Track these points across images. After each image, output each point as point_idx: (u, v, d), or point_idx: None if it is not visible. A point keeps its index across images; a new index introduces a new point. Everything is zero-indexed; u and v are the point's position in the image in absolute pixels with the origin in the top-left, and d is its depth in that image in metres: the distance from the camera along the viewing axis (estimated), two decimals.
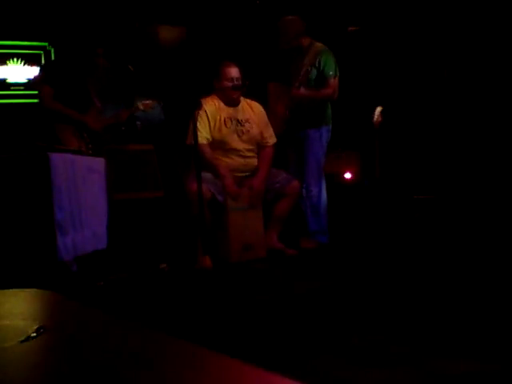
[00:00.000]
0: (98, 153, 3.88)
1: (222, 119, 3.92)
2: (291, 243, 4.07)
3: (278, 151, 4.23)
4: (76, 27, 4.22)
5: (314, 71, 4.14)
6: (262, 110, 4.16)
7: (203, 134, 3.82)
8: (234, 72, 3.96)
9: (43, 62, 5.06)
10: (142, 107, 4.19)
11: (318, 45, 4.19)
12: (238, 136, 3.95)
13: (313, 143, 4.21)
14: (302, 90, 4.13)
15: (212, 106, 3.92)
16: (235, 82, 3.93)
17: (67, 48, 3.97)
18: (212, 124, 3.89)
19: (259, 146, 4.07)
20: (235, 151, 3.95)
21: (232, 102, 4.00)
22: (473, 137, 4.78)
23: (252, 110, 4.09)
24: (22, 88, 5.12)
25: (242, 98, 4.08)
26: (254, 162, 4.03)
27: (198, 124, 3.72)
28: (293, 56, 4.26)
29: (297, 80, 4.13)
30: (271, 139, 4.10)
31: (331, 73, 4.12)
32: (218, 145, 3.91)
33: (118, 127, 4.27)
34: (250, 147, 4.01)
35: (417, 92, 5.17)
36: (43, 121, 3.86)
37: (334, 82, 4.15)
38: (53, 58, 5.09)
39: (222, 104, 3.98)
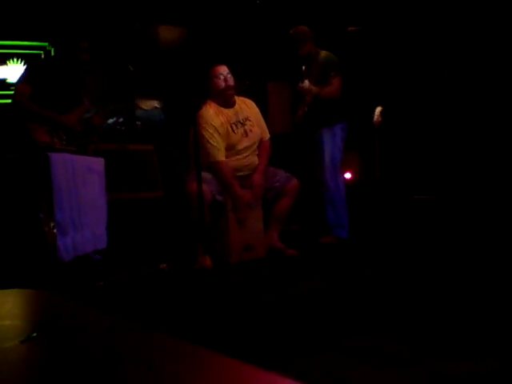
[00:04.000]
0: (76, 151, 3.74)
1: (229, 127, 3.91)
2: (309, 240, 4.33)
3: (282, 150, 4.25)
4: (75, 27, 4.19)
5: (320, 74, 4.36)
6: (255, 106, 4.18)
7: (220, 151, 3.81)
8: (221, 69, 3.97)
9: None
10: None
11: (323, 52, 4.44)
12: (245, 136, 3.96)
13: (326, 142, 4.40)
14: (307, 84, 4.34)
15: (213, 116, 3.87)
16: (227, 77, 3.94)
17: (57, 45, 3.87)
18: (222, 135, 3.86)
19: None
20: (243, 151, 3.95)
21: (229, 102, 3.99)
22: (473, 137, 4.78)
23: (248, 108, 4.10)
24: None
25: (235, 97, 4.08)
26: (257, 160, 4.03)
27: (211, 141, 3.76)
28: (306, 62, 4.47)
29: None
30: (266, 134, 4.13)
31: (333, 73, 4.34)
32: (227, 149, 3.90)
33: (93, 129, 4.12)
34: (254, 145, 4.02)
35: (417, 92, 5.17)
36: (16, 119, 3.69)
37: (335, 81, 4.35)
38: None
39: (219, 108, 3.96)
